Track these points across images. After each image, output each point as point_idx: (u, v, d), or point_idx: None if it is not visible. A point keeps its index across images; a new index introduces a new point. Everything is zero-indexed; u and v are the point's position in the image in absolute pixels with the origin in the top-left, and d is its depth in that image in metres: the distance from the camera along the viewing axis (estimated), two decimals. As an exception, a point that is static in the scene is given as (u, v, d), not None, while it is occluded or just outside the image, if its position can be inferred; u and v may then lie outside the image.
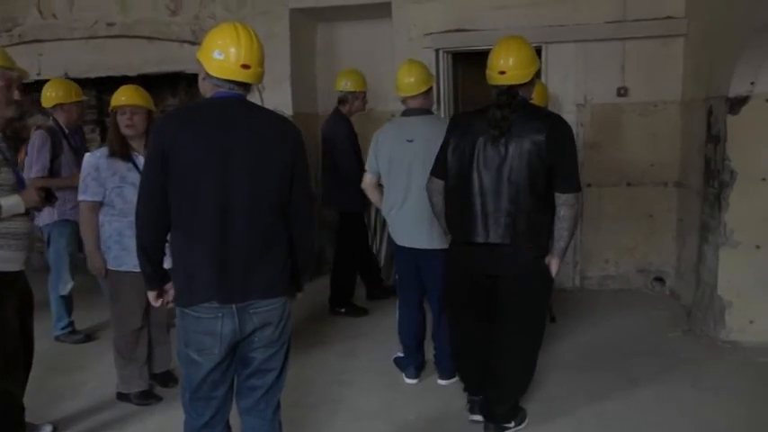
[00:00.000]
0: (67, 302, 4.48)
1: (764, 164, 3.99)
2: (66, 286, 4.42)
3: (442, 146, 3.04)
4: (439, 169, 3.02)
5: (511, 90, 2.84)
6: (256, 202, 2.13)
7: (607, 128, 5.30)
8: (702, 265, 4.42)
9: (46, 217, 4.19)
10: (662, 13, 5.04)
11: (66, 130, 4.36)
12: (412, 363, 3.71)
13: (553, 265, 2.89)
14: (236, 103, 2.16)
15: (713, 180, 4.24)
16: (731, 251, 4.08)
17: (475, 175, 2.85)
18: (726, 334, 4.12)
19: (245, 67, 2.12)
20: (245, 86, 2.19)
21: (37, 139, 4.21)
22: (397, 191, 3.53)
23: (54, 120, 4.36)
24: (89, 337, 4.50)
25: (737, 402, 3.33)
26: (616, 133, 5.29)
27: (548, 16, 5.16)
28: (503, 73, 2.84)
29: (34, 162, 4.15)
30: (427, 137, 3.43)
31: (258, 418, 2.33)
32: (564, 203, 2.78)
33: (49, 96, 4.34)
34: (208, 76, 2.16)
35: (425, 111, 3.59)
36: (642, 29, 5.06)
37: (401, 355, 3.79)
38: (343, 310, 4.94)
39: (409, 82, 3.54)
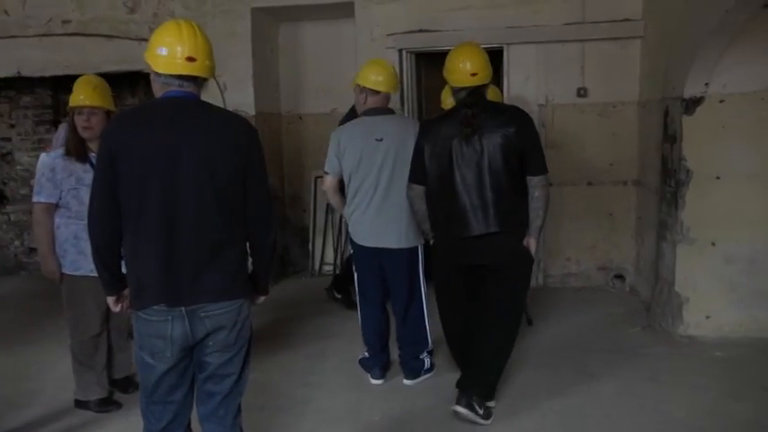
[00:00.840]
0: None
1: (719, 163, 4.10)
2: None
3: (415, 153, 3.17)
4: (418, 175, 3.17)
5: (478, 90, 3.09)
6: (205, 204, 2.09)
7: (568, 128, 5.38)
8: (660, 262, 4.52)
9: None
10: (619, 16, 5.15)
11: None
12: (377, 363, 3.69)
13: (531, 244, 3.13)
14: (185, 102, 2.12)
15: (670, 179, 4.34)
16: (688, 248, 4.19)
17: (457, 174, 3.04)
18: (683, 329, 4.22)
19: (191, 59, 2.09)
20: (196, 83, 2.15)
21: (61, 131, 4.10)
22: (365, 191, 3.48)
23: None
24: None
25: (695, 395, 3.41)
26: (576, 133, 5.37)
27: (509, 18, 5.22)
28: (475, 74, 3.07)
29: None
30: (396, 136, 3.43)
31: (217, 424, 2.28)
32: (537, 185, 3.06)
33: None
34: (156, 74, 2.12)
35: (390, 110, 3.59)
36: (600, 31, 5.16)
37: (366, 355, 3.77)
38: (339, 296, 4.96)
39: (379, 80, 3.53)
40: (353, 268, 3.75)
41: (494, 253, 3.11)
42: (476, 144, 3.00)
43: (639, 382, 3.59)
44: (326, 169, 3.61)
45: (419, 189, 3.16)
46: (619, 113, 5.30)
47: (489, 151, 2.99)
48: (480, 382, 3.17)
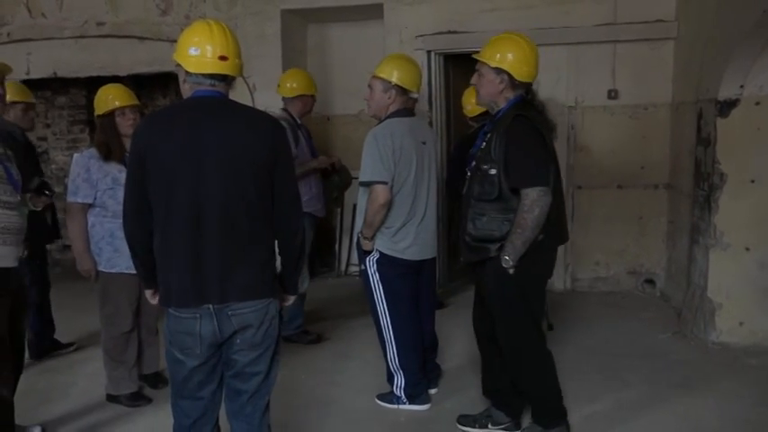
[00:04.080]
0: (303, 301, 4.34)
1: (754, 166, 4.01)
2: (304, 284, 4.25)
3: (543, 153, 2.65)
4: (550, 178, 2.64)
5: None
6: (231, 203, 2.10)
7: (598, 130, 5.32)
8: (692, 267, 4.44)
9: None
10: (652, 17, 5.07)
11: (299, 121, 4.32)
12: (424, 388, 3.38)
13: None
14: (213, 102, 2.14)
15: (703, 182, 4.27)
16: (721, 253, 4.10)
17: (555, 174, 2.74)
18: (716, 336, 4.14)
19: (223, 58, 2.11)
20: (226, 82, 2.17)
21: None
22: (420, 201, 3.16)
23: (286, 110, 4.30)
24: (320, 337, 4.39)
25: (727, 404, 3.34)
26: (607, 136, 5.31)
27: (539, 18, 5.18)
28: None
29: None
30: (432, 139, 3.30)
31: (245, 422, 2.30)
32: None
33: (291, 87, 4.30)
34: (187, 74, 2.15)
35: (413, 112, 3.41)
36: (633, 32, 5.09)
37: (400, 385, 3.34)
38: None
39: (415, 80, 3.23)
40: (382, 292, 3.25)
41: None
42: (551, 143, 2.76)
43: (670, 388, 3.53)
44: (379, 177, 3.03)
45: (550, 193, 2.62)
46: (650, 116, 5.23)
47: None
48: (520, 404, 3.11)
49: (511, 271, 2.66)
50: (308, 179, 4.23)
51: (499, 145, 2.65)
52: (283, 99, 4.36)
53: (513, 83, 2.71)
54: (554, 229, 2.72)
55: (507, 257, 2.64)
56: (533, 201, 2.56)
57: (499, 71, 2.70)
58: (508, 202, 2.64)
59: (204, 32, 2.12)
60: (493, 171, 2.66)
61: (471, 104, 4.46)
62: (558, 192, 2.75)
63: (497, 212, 2.67)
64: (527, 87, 2.76)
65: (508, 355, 2.91)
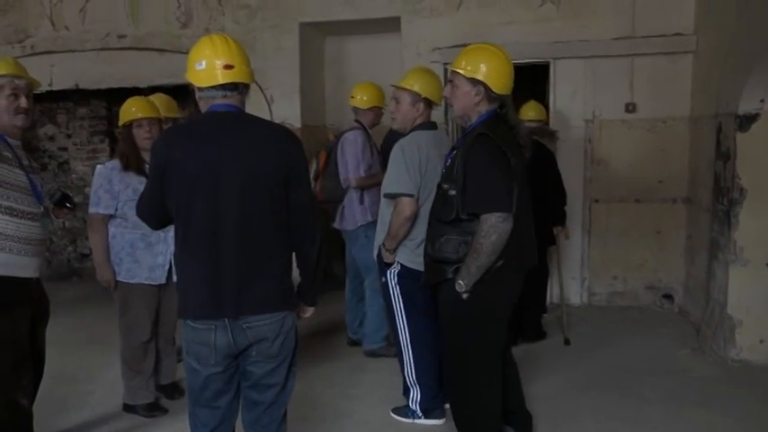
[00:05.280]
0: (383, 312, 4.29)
1: (775, 182, 3.97)
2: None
3: (505, 175, 2.49)
4: (512, 203, 2.48)
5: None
6: (248, 218, 2.11)
7: (615, 144, 5.30)
8: (712, 283, 4.39)
9: (359, 218, 4.19)
10: (671, 30, 5.06)
11: (369, 131, 4.39)
12: (441, 402, 3.31)
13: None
14: (228, 116, 2.15)
15: (723, 197, 4.23)
16: (741, 269, 4.05)
17: (524, 195, 2.59)
18: (736, 353, 4.08)
19: (228, 67, 2.12)
20: (239, 91, 2.17)
21: (359, 138, 4.20)
22: None
23: (358, 121, 4.38)
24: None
25: (746, 423, 3.29)
26: (624, 149, 5.28)
27: (556, 32, 5.19)
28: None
29: (361, 161, 4.16)
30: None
31: None
32: None
33: (363, 99, 4.36)
34: (199, 90, 2.17)
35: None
36: (651, 45, 5.08)
37: (416, 399, 3.33)
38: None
39: (441, 93, 3.21)
40: (401, 305, 3.25)
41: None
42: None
43: (689, 406, 3.48)
44: (405, 190, 3.03)
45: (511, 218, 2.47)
46: (669, 129, 5.20)
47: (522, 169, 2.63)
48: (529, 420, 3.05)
49: (464, 296, 2.53)
50: (379, 190, 4.29)
51: (460, 165, 2.53)
52: (355, 110, 4.41)
53: (489, 95, 2.58)
54: (516, 254, 2.54)
55: (461, 282, 2.51)
56: (491, 226, 2.42)
57: (475, 82, 2.58)
58: (466, 224, 2.52)
59: (206, 46, 2.14)
60: (452, 192, 2.55)
61: None
62: (525, 216, 2.58)
63: (455, 234, 2.55)
64: (501, 102, 2.64)
65: (448, 381, 2.88)
